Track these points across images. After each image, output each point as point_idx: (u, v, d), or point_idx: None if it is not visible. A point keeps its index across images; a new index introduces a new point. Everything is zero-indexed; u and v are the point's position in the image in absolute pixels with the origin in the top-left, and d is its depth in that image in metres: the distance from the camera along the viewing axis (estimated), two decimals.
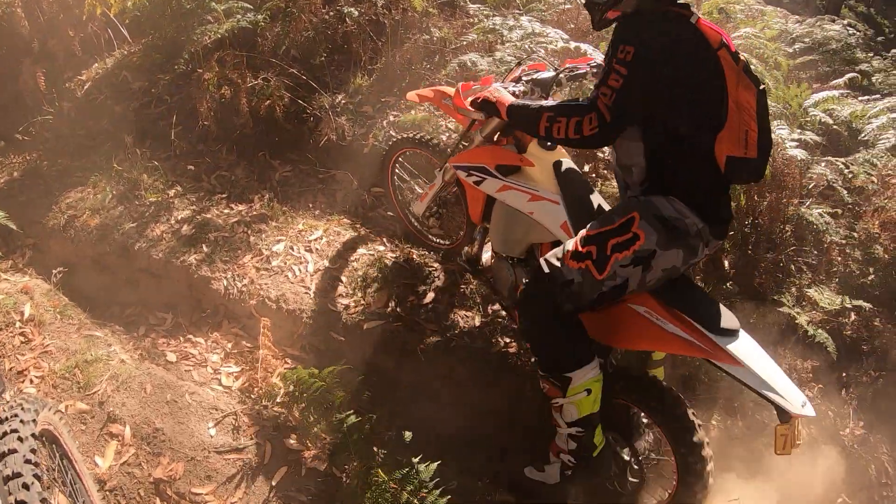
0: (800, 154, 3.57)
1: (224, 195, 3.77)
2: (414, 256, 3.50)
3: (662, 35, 1.94)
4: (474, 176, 2.65)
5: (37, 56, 4.97)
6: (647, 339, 2.20)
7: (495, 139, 2.70)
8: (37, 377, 3.05)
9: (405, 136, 3.44)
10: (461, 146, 2.93)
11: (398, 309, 3.29)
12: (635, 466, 2.45)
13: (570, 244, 2.20)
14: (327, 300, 3.28)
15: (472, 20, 4.78)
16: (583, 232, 2.18)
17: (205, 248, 3.43)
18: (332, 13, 4.39)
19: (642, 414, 2.40)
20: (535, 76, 2.57)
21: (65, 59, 4.84)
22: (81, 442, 2.64)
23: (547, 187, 2.49)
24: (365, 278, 3.37)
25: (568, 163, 2.59)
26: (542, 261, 2.23)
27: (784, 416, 2.03)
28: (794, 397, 2.03)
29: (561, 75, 2.58)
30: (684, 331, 2.10)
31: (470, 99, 2.46)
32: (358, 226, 3.69)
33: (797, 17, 6.49)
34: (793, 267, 3.85)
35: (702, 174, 2.09)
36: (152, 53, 4.57)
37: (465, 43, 4.18)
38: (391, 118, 4.03)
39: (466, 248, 3.12)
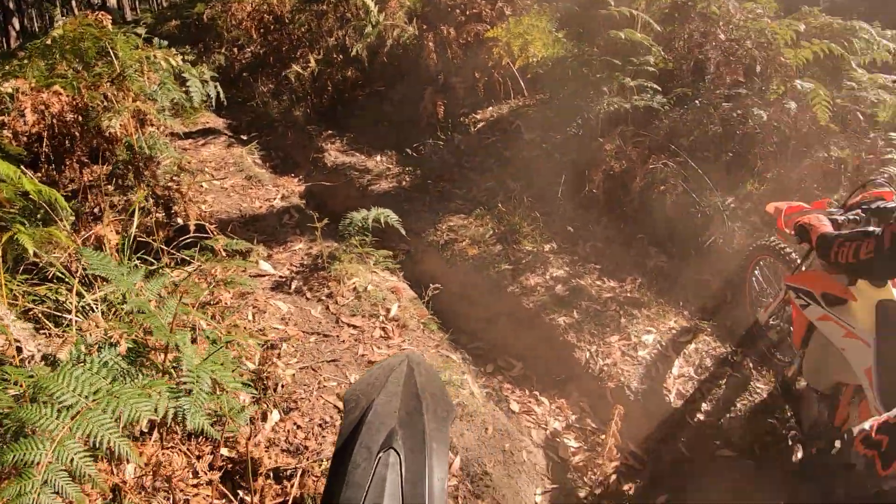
0: None
1: (597, 266, 3.82)
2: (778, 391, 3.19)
3: None
4: (802, 299, 2.53)
5: (439, 87, 5.65)
6: None
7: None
8: None
9: (764, 242, 3.33)
10: (802, 266, 2.84)
11: (755, 445, 3.02)
12: None
13: (866, 424, 1.82)
14: (685, 411, 3.11)
15: (888, 149, 4.32)
16: (883, 416, 1.80)
17: (576, 315, 3.49)
18: (738, 112, 4.28)
19: None
20: (875, 205, 2.36)
21: (464, 96, 5.42)
22: None
23: (864, 326, 2.22)
24: (726, 401, 3.15)
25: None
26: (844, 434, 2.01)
27: None
28: None
29: None
30: None
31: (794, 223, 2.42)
32: (731, 345, 3.46)
33: None
34: None
35: None
36: (546, 110, 4.88)
37: (873, 168, 3.80)
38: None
39: (786, 371, 2.90)
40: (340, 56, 7.24)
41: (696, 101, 4.42)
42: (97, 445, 1.68)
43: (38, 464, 1.57)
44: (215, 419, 2.38)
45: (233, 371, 2.38)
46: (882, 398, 2.04)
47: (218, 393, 2.29)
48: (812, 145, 4.40)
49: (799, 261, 2.94)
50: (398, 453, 1.19)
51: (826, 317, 2.38)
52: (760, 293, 3.48)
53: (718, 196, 3.89)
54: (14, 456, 1.57)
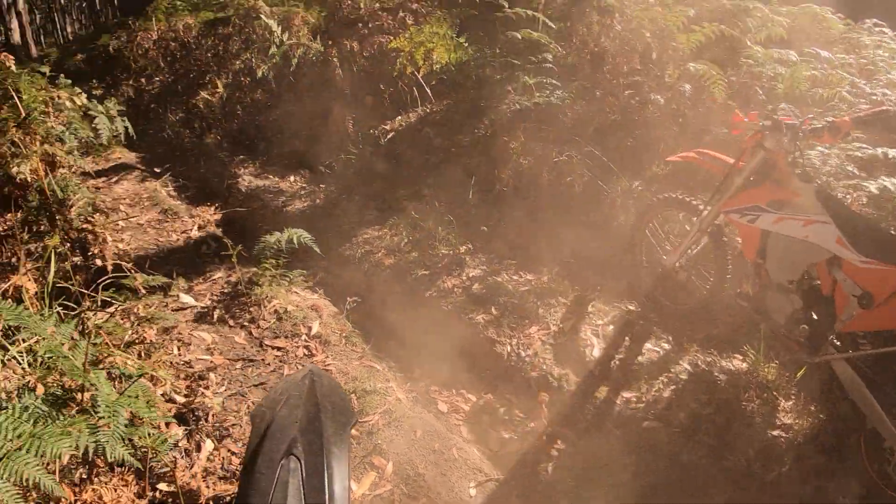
0: None
1: (514, 261, 3.83)
2: (700, 363, 3.25)
3: None
4: (748, 215, 2.91)
5: (347, 101, 5.60)
6: None
7: (752, 179, 3.00)
8: None
9: (662, 197, 3.61)
10: (717, 195, 3.18)
11: (681, 415, 3.06)
12: None
13: None
14: (608, 389, 3.13)
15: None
16: None
17: (493, 311, 3.47)
18: (636, 98, 4.39)
19: None
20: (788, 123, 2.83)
21: (372, 108, 5.38)
22: None
23: (815, 211, 2.68)
24: (649, 375, 3.18)
25: (824, 189, 2.80)
26: None
27: None
28: None
29: (805, 127, 2.83)
30: None
31: None
32: (649, 318, 3.51)
33: None
34: None
35: None
36: (453, 115, 4.89)
37: None
38: None
39: (741, 289, 3.25)
40: (248, 79, 7.12)
41: (597, 93, 4.52)
42: (27, 486, 1.72)
43: None
44: (140, 451, 2.36)
45: (148, 404, 2.36)
46: (860, 251, 2.51)
47: (136, 425, 2.31)
48: (712, 122, 4.55)
49: (712, 193, 3.26)
50: (299, 459, 1.27)
51: (781, 218, 2.79)
52: (658, 246, 3.66)
53: (624, 180, 3.96)
54: None
